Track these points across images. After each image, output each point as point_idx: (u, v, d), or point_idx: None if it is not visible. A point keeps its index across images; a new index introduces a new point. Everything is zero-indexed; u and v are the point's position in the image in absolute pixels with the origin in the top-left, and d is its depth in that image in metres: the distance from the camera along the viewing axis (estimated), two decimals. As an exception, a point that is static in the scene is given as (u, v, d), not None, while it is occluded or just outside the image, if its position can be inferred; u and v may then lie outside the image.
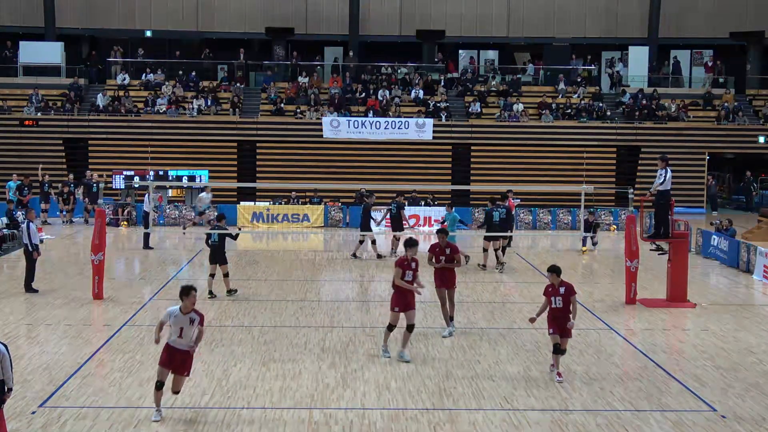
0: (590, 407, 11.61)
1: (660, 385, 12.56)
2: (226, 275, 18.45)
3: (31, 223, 18.62)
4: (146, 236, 25.28)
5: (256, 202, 32.68)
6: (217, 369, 13.01)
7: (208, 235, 18.49)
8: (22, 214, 25.63)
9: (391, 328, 13.63)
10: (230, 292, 18.51)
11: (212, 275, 18.32)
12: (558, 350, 12.71)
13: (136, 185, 31.03)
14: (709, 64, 41.52)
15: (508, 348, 14.54)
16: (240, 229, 18.39)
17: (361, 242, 24.22)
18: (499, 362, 13.66)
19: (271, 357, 13.71)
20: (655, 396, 12.07)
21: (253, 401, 11.62)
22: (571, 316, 12.67)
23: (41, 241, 21.22)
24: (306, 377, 12.66)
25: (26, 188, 30.50)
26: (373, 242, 24.12)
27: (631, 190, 20.87)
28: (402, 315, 13.45)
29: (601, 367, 13.49)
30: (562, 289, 12.73)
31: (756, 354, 14.53)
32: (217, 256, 18.28)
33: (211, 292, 18.21)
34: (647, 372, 13.31)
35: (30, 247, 18.44)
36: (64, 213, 31.34)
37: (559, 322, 12.72)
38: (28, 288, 18.54)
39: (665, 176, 17.61)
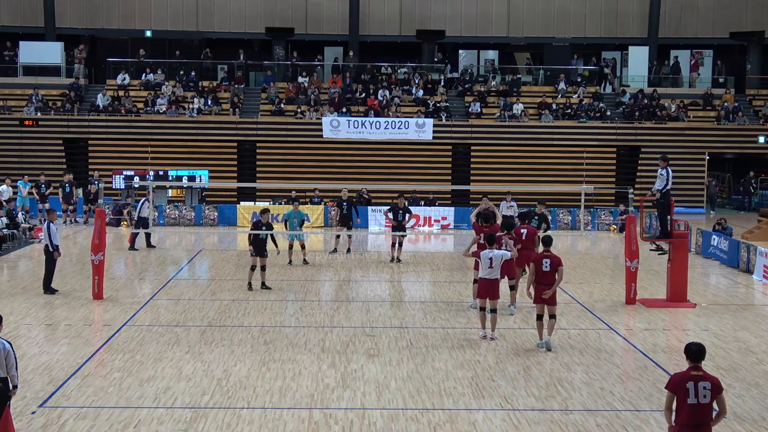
0: (590, 407, 11.61)
1: (660, 385, 12.52)
2: (263, 268, 19.30)
3: (51, 224, 18.60)
4: (147, 236, 25.41)
5: (256, 202, 32.66)
6: (217, 369, 13.02)
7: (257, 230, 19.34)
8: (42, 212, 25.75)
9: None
10: (263, 286, 19.27)
11: (254, 268, 19.25)
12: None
13: (136, 185, 31.07)
14: (691, 63, 41.58)
15: (509, 348, 14.55)
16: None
17: (338, 237, 25.40)
18: (499, 362, 13.66)
19: (271, 357, 13.71)
20: (655, 396, 12.06)
21: (253, 401, 11.62)
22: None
23: (40, 241, 21.22)
24: (306, 377, 12.66)
25: (43, 185, 30.74)
26: (398, 244, 23.80)
27: (631, 190, 20.86)
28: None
29: (601, 367, 13.50)
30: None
31: (756, 354, 14.54)
32: (263, 249, 19.16)
33: (250, 285, 19.19)
34: (647, 372, 13.31)
35: (50, 247, 18.43)
36: (68, 213, 31.35)
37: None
38: (47, 288, 18.53)
39: (667, 177, 17.61)
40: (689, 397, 8.26)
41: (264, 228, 19.25)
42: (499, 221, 18.02)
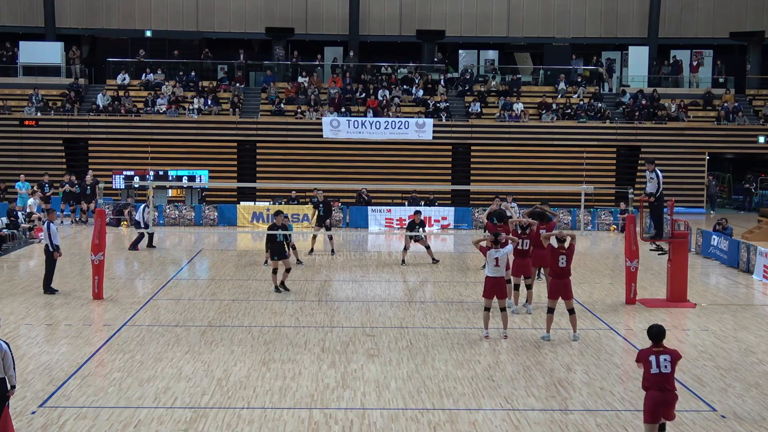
0: (590, 407, 11.61)
1: (660, 385, 12.57)
2: (288, 270, 19.29)
3: (51, 224, 18.61)
4: (149, 236, 25.41)
5: (256, 202, 32.67)
6: (217, 369, 13.02)
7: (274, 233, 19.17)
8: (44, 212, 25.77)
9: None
10: (282, 287, 19.11)
11: (275, 271, 19.19)
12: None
13: (136, 185, 31.06)
14: (694, 63, 41.59)
15: (509, 348, 14.55)
16: None
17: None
18: (499, 362, 13.67)
19: (271, 357, 13.71)
20: (655, 396, 12.06)
21: (253, 401, 11.63)
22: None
23: (40, 241, 21.15)
24: (306, 377, 12.66)
25: (47, 185, 30.70)
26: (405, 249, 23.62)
27: (631, 190, 20.86)
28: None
29: (601, 367, 13.50)
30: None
31: (756, 354, 14.54)
32: (282, 251, 19.13)
33: (277, 288, 19.01)
34: (647, 372, 13.30)
35: (51, 248, 18.44)
36: (66, 213, 31.34)
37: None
38: (47, 288, 18.53)
39: (658, 179, 17.59)
40: (652, 367, 9.56)
41: (279, 230, 19.23)
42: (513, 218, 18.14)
